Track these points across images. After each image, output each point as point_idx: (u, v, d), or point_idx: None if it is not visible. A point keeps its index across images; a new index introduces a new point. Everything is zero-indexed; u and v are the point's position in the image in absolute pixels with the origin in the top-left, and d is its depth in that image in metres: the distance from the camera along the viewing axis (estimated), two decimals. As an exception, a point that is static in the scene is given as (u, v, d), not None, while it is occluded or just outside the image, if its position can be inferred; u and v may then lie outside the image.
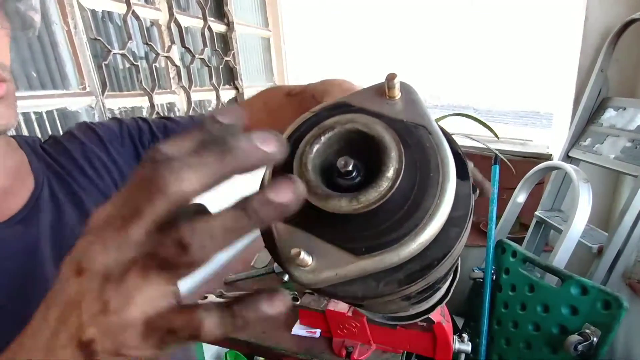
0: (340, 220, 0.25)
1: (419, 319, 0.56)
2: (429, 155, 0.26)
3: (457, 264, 0.50)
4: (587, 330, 1.04)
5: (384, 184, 0.24)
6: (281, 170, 0.29)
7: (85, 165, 0.47)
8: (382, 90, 0.29)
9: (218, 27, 1.45)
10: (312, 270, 0.25)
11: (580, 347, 1.03)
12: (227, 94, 1.53)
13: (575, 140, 1.35)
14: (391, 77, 0.27)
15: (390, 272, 0.25)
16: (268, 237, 0.28)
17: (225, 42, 1.51)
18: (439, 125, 0.29)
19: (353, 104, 0.29)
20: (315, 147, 0.27)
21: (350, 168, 0.26)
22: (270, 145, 0.17)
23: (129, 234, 0.16)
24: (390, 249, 0.24)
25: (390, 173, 0.24)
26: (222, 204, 0.18)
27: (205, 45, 1.36)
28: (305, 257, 0.25)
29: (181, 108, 1.29)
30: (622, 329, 1.28)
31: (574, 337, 1.03)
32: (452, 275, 0.51)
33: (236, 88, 1.57)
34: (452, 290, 0.53)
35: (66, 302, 0.18)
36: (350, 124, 0.26)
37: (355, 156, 0.27)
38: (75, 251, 0.18)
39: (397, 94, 0.28)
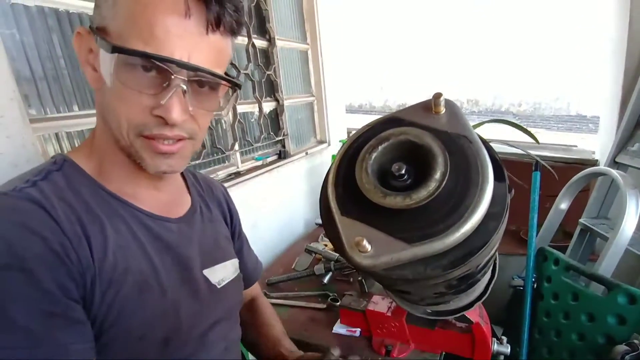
0: (394, 215, 0.31)
1: (458, 315, 0.59)
2: (470, 160, 0.31)
3: (496, 261, 0.53)
4: (636, 341, 1.00)
5: (433, 185, 0.30)
6: (346, 172, 0.35)
7: (217, 204, 0.67)
8: (429, 106, 0.34)
9: (261, 43, 1.55)
10: (371, 255, 0.31)
11: (627, 358, 0.99)
12: (268, 105, 1.63)
13: (623, 145, 1.31)
14: (437, 96, 0.33)
15: (436, 257, 0.30)
16: (331, 228, 0.34)
17: (266, 57, 1.61)
18: (478, 135, 0.33)
19: (404, 118, 0.35)
20: (374, 155, 0.32)
21: (403, 172, 0.31)
22: None
23: None
24: (437, 237, 0.29)
25: (437, 175, 0.30)
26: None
27: (249, 60, 1.47)
28: (366, 244, 0.30)
29: (227, 120, 1.40)
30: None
31: (621, 347, 1.00)
32: (490, 273, 0.54)
33: (277, 100, 1.67)
34: (490, 288, 0.56)
35: None
36: (403, 136, 0.32)
37: (407, 162, 0.32)
38: None
39: (442, 109, 0.33)
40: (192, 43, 0.42)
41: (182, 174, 0.63)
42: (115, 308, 0.44)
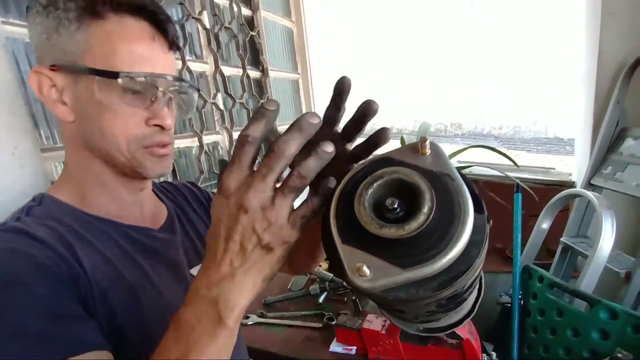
0: (389, 243, 0.35)
1: (449, 331, 0.63)
2: (452, 196, 0.36)
3: (481, 282, 0.58)
4: (619, 355, 1.05)
5: (422, 217, 0.35)
6: (345, 205, 0.39)
7: (193, 204, 0.69)
8: (416, 148, 0.39)
9: (254, 74, 1.63)
10: (370, 279, 0.35)
11: None
12: (262, 131, 1.69)
13: (597, 168, 1.39)
14: (424, 140, 0.38)
15: (427, 280, 0.35)
16: (333, 255, 0.39)
17: (260, 87, 1.68)
18: (459, 172, 0.39)
19: (395, 158, 0.40)
20: (370, 191, 0.37)
21: (395, 206, 0.36)
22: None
23: (267, 182, 0.33)
24: (427, 263, 0.34)
25: (425, 209, 0.35)
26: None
27: (244, 90, 1.54)
28: (365, 270, 0.35)
29: (224, 146, 1.45)
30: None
31: None
32: (477, 292, 0.59)
33: (270, 126, 1.73)
34: (477, 306, 0.60)
35: (243, 228, 0.33)
36: (395, 174, 0.37)
37: (398, 197, 0.37)
38: (232, 198, 0.34)
39: (428, 151, 0.39)
40: (162, 61, 0.51)
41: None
42: (113, 316, 0.46)
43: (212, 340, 0.35)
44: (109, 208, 0.54)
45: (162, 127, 0.52)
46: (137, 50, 0.49)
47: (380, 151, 0.42)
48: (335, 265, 0.39)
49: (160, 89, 0.50)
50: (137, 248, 0.54)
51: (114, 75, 0.47)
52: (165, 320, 0.51)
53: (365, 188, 0.38)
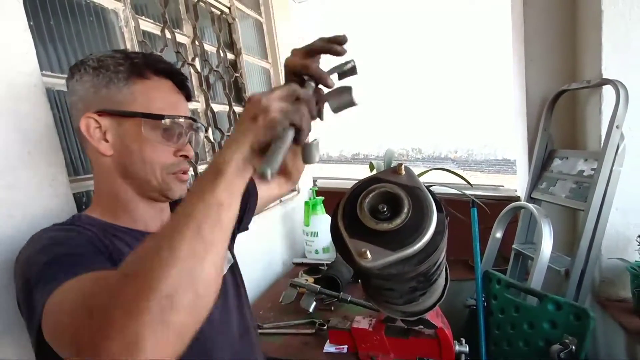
0: (383, 234, 0.52)
1: (427, 312, 0.79)
2: (422, 202, 0.53)
3: (447, 271, 0.75)
4: (567, 340, 1.22)
5: (403, 216, 0.51)
6: (348, 211, 0.55)
7: None
8: (395, 170, 0.57)
9: (239, 109, 1.79)
10: (371, 260, 0.51)
11: (562, 355, 1.21)
12: (247, 161, 1.84)
13: (534, 184, 1.65)
14: (400, 165, 0.56)
15: (410, 259, 0.51)
16: (342, 246, 0.54)
17: (244, 120, 1.84)
18: (425, 186, 0.56)
19: (381, 177, 0.57)
20: (367, 199, 0.54)
21: (385, 209, 0.53)
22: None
23: (280, 96, 0.45)
24: (409, 245, 0.50)
25: (405, 210, 0.52)
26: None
27: (230, 124, 1.69)
28: (368, 254, 0.50)
29: (213, 175, 1.57)
30: (601, 337, 1.49)
31: (556, 347, 1.22)
32: (444, 280, 0.76)
33: (254, 156, 1.88)
34: (445, 292, 0.77)
35: (250, 107, 0.45)
36: (383, 188, 0.54)
37: (386, 203, 0.54)
38: (255, 98, 0.45)
39: (403, 172, 0.56)
40: (184, 108, 0.68)
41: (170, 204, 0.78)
42: None
43: (211, 186, 0.42)
44: (135, 224, 0.67)
45: (186, 157, 0.67)
46: (169, 99, 0.66)
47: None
48: (344, 253, 0.54)
49: (186, 128, 0.67)
50: None
51: (160, 117, 0.63)
52: None
53: (364, 198, 0.55)
